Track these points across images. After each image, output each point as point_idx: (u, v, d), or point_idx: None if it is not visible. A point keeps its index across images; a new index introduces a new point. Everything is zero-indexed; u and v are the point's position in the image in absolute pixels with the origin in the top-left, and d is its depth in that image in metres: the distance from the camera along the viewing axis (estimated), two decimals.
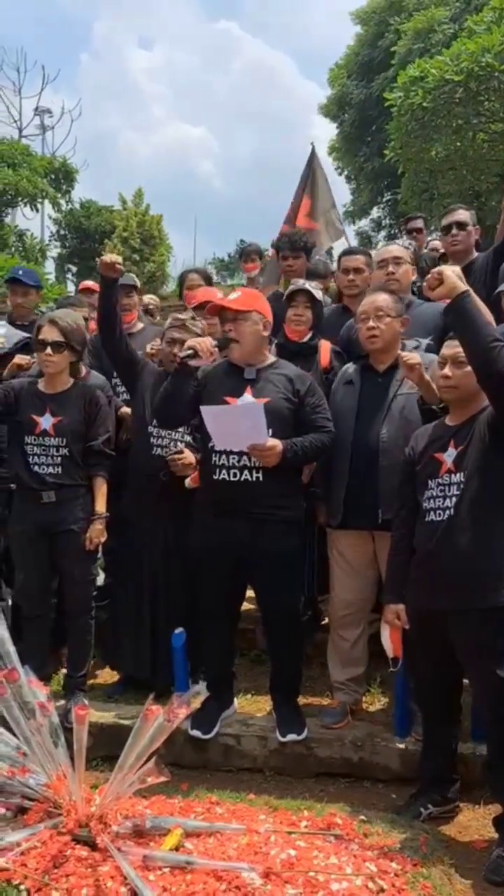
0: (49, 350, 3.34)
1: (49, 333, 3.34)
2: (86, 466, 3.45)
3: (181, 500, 3.39)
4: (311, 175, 6.43)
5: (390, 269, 3.60)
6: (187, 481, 3.40)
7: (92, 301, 5.15)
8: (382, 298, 3.17)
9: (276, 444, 2.95)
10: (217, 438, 2.99)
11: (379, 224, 21.50)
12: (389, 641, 2.85)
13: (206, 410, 2.94)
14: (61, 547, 3.38)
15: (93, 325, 4.29)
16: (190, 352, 3.06)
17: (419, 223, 6.44)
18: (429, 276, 2.64)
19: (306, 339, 3.73)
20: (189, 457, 3.38)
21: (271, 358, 3.25)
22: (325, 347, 3.76)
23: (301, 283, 3.79)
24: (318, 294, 3.76)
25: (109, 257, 3.43)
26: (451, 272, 2.53)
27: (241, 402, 3.03)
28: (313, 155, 6.52)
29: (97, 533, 3.40)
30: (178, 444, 3.48)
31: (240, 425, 2.91)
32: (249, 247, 6.20)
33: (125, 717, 3.29)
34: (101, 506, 3.44)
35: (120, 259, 3.49)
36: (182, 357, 3.07)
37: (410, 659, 2.86)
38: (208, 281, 4.80)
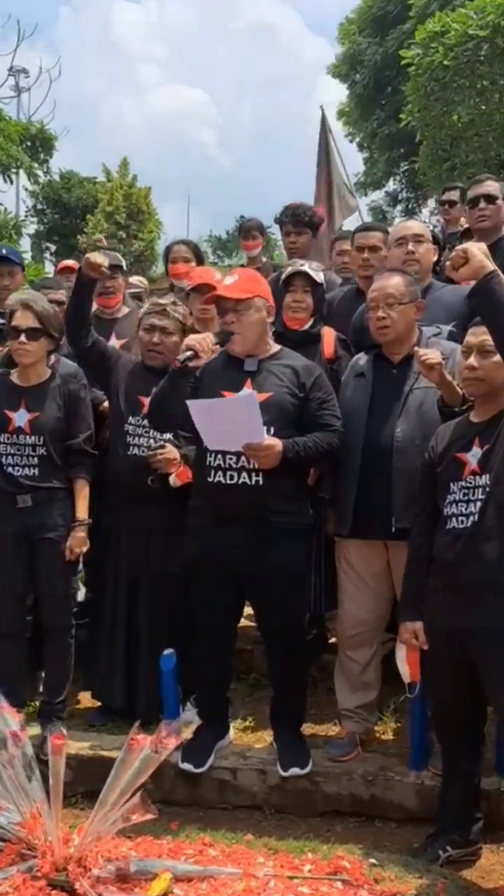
0: (23, 338, 3.34)
1: (23, 319, 3.35)
2: (65, 467, 3.46)
3: (164, 505, 3.40)
4: (324, 144, 6.43)
5: (409, 247, 3.60)
6: (172, 478, 3.40)
7: (69, 282, 5.16)
8: (393, 283, 3.17)
9: (275, 443, 2.95)
10: (208, 438, 2.99)
11: (395, 198, 21.50)
12: (406, 664, 2.85)
13: (193, 406, 2.93)
14: (39, 557, 3.39)
15: None
16: (189, 353, 3.03)
17: (455, 194, 6.23)
18: (452, 254, 2.63)
19: (307, 326, 3.72)
20: (172, 451, 3.39)
21: (274, 347, 3.25)
22: (329, 335, 3.76)
23: (299, 264, 3.79)
24: (319, 276, 3.76)
25: (96, 258, 3.44)
26: (478, 250, 2.53)
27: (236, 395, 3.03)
28: (324, 120, 6.51)
29: (78, 542, 3.41)
30: (158, 440, 3.48)
31: (233, 422, 2.90)
32: (250, 222, 6.15)
33: (108, 748, 3.29)
34: (82, 511, 3.45)
35: (107, 262, 3.50)
36: (182, 360, 3.04)
37: (429, 683, 2.87)
38: (198, 255, 4.78)
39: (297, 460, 3.02)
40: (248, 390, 3.01)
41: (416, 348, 3.02)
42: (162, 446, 3.41)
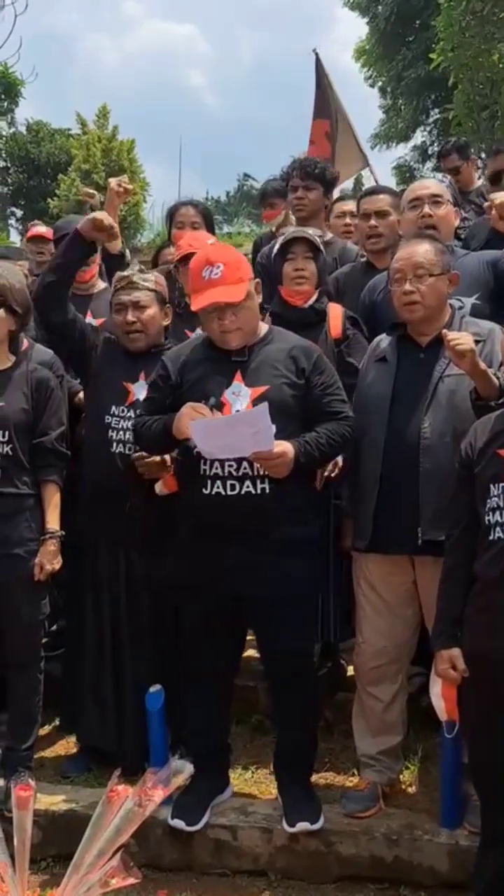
0: None
1: None
2: (34, 469, 3.47)
3: (155, 516, 3.41)
4: (321, 88, 6.45)
5: (426, 210, 3.62)
6: (158, 486, 3.41)
7: (41, 254, 5.18)
8: (423, 250, 3.19)
9: (287, 448, 2.95)
10: (210, 453, 3.00)
11: (424, 152, 21.56)
12: (441, 699, 2.85)
13: (195, 426, 2.92)
14: (2, 577, 3.39)
15: None
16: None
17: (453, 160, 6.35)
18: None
19: (311, 301, 3.73)
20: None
21: (263, 327, 3.25)
22: (336, 312, 3.78)
23: (294, 229, 3.80)
24: (319, 242, 3.78)
25: (105, 218, 3.48)
26: None
27: (230, 393, 3.03)
28: (319, 66, 6.54)
29: (50, 556, 3.42)
30: None
31: (239, 435, 2.91)
32: (269, 184, 6.04)
33: (84, 802, 3.30)
34: (53, 521, 3.46)
35: (116, 225, 3.53)
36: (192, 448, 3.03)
37: (467, 724, 2.87)
38: (208, 219, 4.76)
39: (311, 462, 3.04)
40: (260, 405, 2.96)
41: (444, 331, 3.02)
42: None
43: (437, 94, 17.93)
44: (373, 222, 4.07)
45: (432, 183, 3.79)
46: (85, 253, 3.62)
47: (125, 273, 3.62)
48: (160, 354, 3.55)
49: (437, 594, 2.90)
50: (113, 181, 4.15)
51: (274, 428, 2.91)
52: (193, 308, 3.17)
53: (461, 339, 2.92)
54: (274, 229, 6.19)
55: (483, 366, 2.94)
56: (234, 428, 2.92)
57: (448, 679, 2.80)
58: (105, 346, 3.68)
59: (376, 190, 4.30)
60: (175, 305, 3.95)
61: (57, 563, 3.44)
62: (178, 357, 3.23)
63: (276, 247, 3.82)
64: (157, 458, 3.38)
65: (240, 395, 3.05)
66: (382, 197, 4.13)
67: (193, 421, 2.94)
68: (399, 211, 3.92)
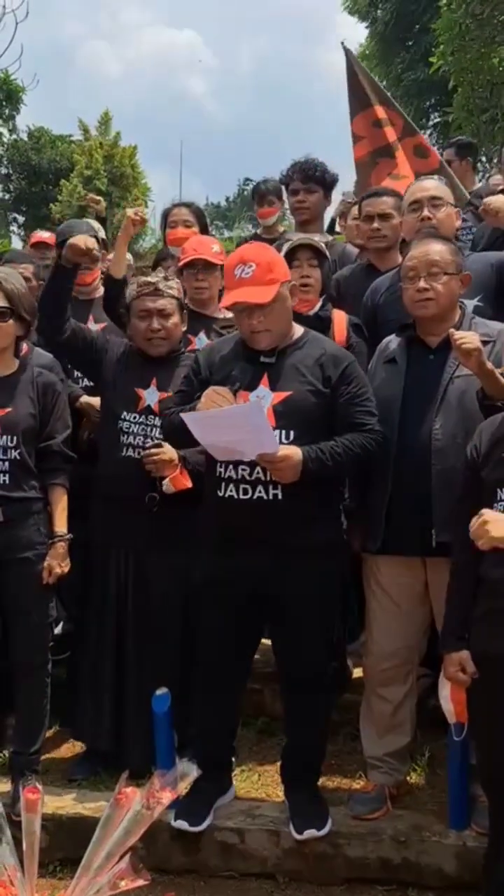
0: None
1: None
2: (40, 473, 3.47)
3: (161, 516, 3.42)
4: (355, 81, 6.24)
5: (425, 212, 3.62)
6: (165, 484, 3.42)
7: (45, 259, 5.19)
8: (438, 249, 3.18)
9: (292, 452, 2.92)
10: (214, 451, 2.99)
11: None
12: (450, 702, 2.84)
13: (189, 419, 2.92)
14: (11, 580, 3.39)
15: None
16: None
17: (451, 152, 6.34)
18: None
19: (316, 309, 3.73)
20: (169, 451, 3.40)
21: (298, 330, 3.22)
22: (340, 319, 3.78)
23: (299, 236, 3.80)
24: (325, 248, 3.78)
25: (83, 242, 3.48)
26: None
27: (254, 396, 3.02)
28: (348, 58, 6.36)
29: (59, 559, 3.42)
30: (156, 438, 3.49)
31: (237, 433, 2.90)
32: (266, 183, 6.03)
33: (91, 805, 3.30)
34: (61, 524, 3.46)
35: (96, 246, 3.54)
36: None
37: (475, 726, 2.86)
38: (201, 220, 4.78)
39: (323, 470, 2.97)
40: (253, 399, 2.97)
41: (451, 330, 3.02)
42: (158, 445, 3.42)
43: (436, 97, 17.94)
44: (375, 224, 4.07)
45: (431, 184, 3.77)
46: (69, 279, 3.61)
47: (151, 279, 3.60)
48: (173, 361, 3.59)
49: (446, 596, 2.89)
50: (130, 211, 4.12)
51: (293, 433, 2.92)
52: (221, 305, 3.19)
53: (467, 337, 2.92)
54: (260, 231, 6.22)
55: (490, 365, 2.93)
56: (230, 424, 2.91)
57: (457, 682, 2.79)
58: (114, 351, 3.68)
59: (378, 192, 4.29)
60: None
61: (66, 566, 3.44)
62: (212, 353, 3.22)
63: (282, 253, 3.81)
64: (165, 456, 3.39)
65: (263, 399, 3.03)
66: (385, 199, 4.12)
67: (186, 414, 2.93)
68: (401, 213, 3.93)
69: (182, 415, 2.95)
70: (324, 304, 3.75)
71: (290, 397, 3.02)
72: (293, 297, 3.17)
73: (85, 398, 3.96)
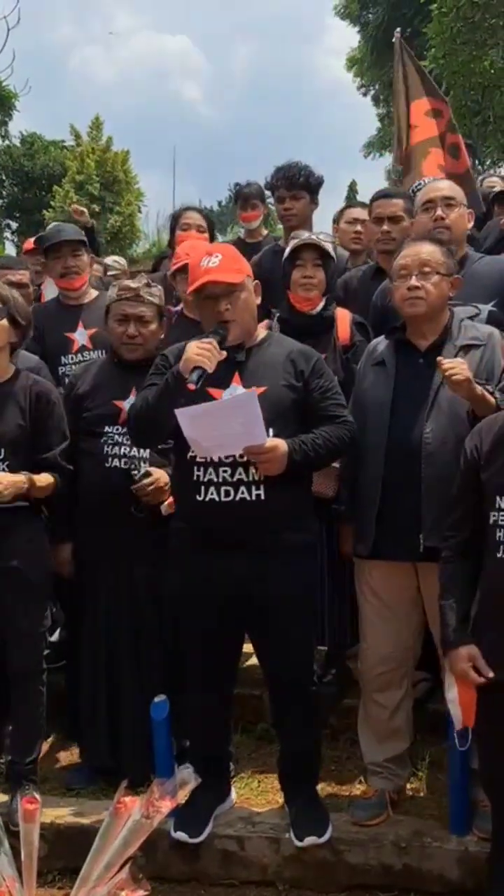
0: None
1: None
2: None
3: (149, 525, 3.41)
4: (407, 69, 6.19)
5: (439, 212, 3.62)
6: (164, 507, 3.42)
7: (38, 266, 5.19)
8: (429, 250, 3.18)
9: (279, 444, 2.93)
10: (199, 446, 2.97)
11: None
12: (458, 705, 2.79)
13: (183, 415, 2.89)
14: (2, 589, 3.37)
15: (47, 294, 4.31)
16: (200, 373, 2.87)
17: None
18: None
19: (318, 308, 3.73)
20: (161, 477, 3.39)
21: (262, 332, 3.26)
22: (344, 318, 3.78)
23: (306, 235, 3.80)
24: (330, 248, 3.77)
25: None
26: None
27: (228, 394, 3.01)
28: (402, 47, 6.30)
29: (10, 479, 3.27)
30: (139, 461, 3.47)
31: (229, 426, 2.88)
32: (248, 188, 6.10)
33: (89, 814, 3.28)
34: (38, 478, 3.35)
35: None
36: (197, 383, 2.89)
37: (476, 728, 2.84)
38: (210, 225, 4.78)
39: (307, 461, 3.00)
40: (248, 391, 2.96)
41: (439, 358, 2.99)
42: (147, 474, 3.41)
43: None
44: (385, 227, 4.06)
45: (445, 185, 3.77)
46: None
47: (133, 284, 3.58)
48: (149, 368, 3.56)
49: (441, 595, 2.84)
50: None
51: (271, 431, 2.91)
52: (188, 291, 3.16)
53: (456, 368, 2.91)
54: (243, 235, 6.23)
55: (480, 390, 2.93)
56: (223, 417, 2.90)
57: (468, 679, 2.69)
58: (92, 366, 3.70)
59: (389, 193, 4.26)
60: (169, 316, 3.95)
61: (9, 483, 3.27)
62: (180, 351, 3.21)
63: (287, 252, 3.81)
64: (160, 483, 3.38)
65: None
66: (396, 201, 4.10)
67: (179, 409, 2.89)
68: (412, 215, 3.92)
69: (176, 410, 2.90)
70: (327, 304, 3.75)
71: (266, 392, 3.01)
72: (255, 294, 3.15)
73: None
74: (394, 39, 6.35)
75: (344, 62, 21.24)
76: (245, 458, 2.95)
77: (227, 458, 2.98)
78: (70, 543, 3.59)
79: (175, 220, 4.85)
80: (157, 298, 3.60)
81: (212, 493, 3.01)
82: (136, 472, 3.43)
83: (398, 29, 6.48)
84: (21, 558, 3.37)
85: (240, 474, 2.98)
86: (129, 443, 3.50)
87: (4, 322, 3.36)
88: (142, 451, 3.49)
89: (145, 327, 3.56)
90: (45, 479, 3.35)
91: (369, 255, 5.00)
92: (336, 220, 5.64)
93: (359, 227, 5.23)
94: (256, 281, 3.18)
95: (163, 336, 3.70)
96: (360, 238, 5.20)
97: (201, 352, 2.89)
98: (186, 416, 2.89)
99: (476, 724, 2.80)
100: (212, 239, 4.70)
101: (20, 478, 3.27)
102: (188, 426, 2.90)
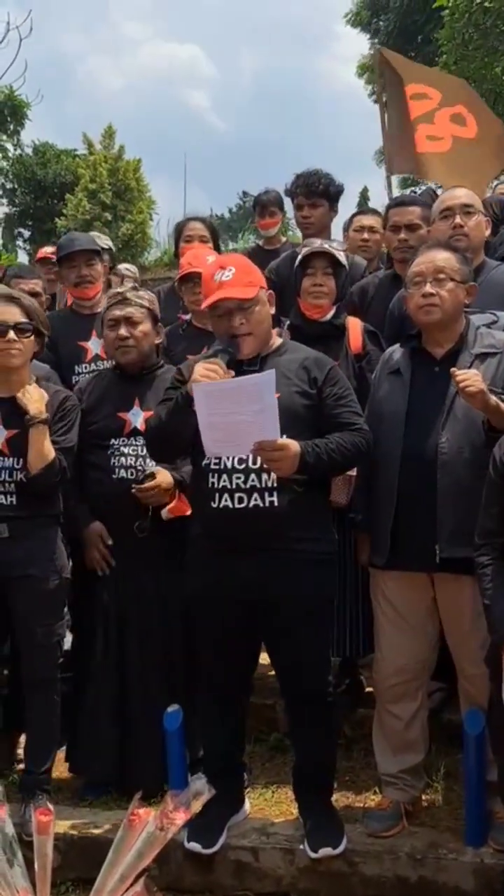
0: (12, 334, 3.33)
1: (8, 313, 3.34)
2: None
3: (164, 538, 3.42)
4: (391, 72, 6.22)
5: (457, 220, 3.62)
6: (164, 513, 3.42)
7: (51, 275, 5.21)
8: (444, 257, 3.17)
9: (291, 443, 2.91)
10: (211, 436, 2.93)
11: None
12: None
13: (200, 390, 2.84)
14: (17, 597, 3.38)
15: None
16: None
17: None
18: None
19: (329, 316, 3.74)
20: (164, 478, 3.39)
21: (277, 339, 3.26)
22: (355, 327, 3.78)
23: (317, 243, 3.79)
24: (342, 257, 3.77)
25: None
26: None
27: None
28: (381, 63, 6.32)
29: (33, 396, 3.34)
30: (145, 465, 3.48)
31: (243, 410, 2.85)
32: (267, 195, 6.08)
33: (103, 825, 3.28)
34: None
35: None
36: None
37: (496, 738, 2.83)
38: (214, 234, 4.79)
39: (319, 465, 2.98)
40: (267, 371, 2.90)
41: (453, 369, 2.99)
42: (151, 476, 3.41)
43: None
44: (402, 235, 4.05)
45: (463, 192, 3.76)
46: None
47: (119, 289, 3.63)
48: (152, 377, 3.60)
49: (487, 596, 2.82)
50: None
51: (284, 436, 2.88)
52: (203, 306, 3.15)
53: (470, 380, 2.90)
54: (262, 242, 6.23)
55: (495, 400, 2.92)
56: (240, 398, 2.86)
57: None
58: (98, 378, 3.72)
59: (407, 201, 4.24)
60: (179, 326, 3.95)
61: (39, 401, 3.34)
62: (195, 364, 3.21)
63: (298, 259, 3.81)
64: (164, 485, 3.39)
65: None
66: (413, 209, 4.09)
67: (197, 384, 2.86)
68: (429, 223, 3.91)
69: (193, 385, 2.87)
70: (338, 312, 3.75)
71: (280, 399, 2.98)
72: (270, 304, 3.15)
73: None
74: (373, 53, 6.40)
75: (355, 69, 21.26)
76: (258, 465, 2.96)
77: (240, 464, 2.99)
78: (97, 522, 3.57)
79: (178, 232, 4.86)
80: (146, 301, 3.60)
81: (226, 500, 3.01)
82: (141, 471, 3.44)
83: (378, 46, 6.54)
84: (37, 566, 3.38)
85: (253, 481, 2.98)
86: (135, 453, 3.51)
87: (32, 338, 3.39)
88: (149, 461, 3.48)
89: (135, 328, 3.56)
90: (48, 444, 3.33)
91: (382, 262, 5.00)
92: (346, 228, 5.64)
93: (366, 235, 5.22)
94: (270, 291, 3.18)
95: (159, 341, 3.70)
96: (368, 246, 5.19)
97: (207, 373, 2.90)
98: (203, 392, 2.85)
99: (494, 737, 2.78)
100: (216, 247, 4.70)
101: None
102: (203, 404, 2.85)
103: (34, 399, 3.33)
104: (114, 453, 3.54)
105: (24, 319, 3.35)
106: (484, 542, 2.86)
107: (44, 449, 3.31)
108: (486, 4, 10.55)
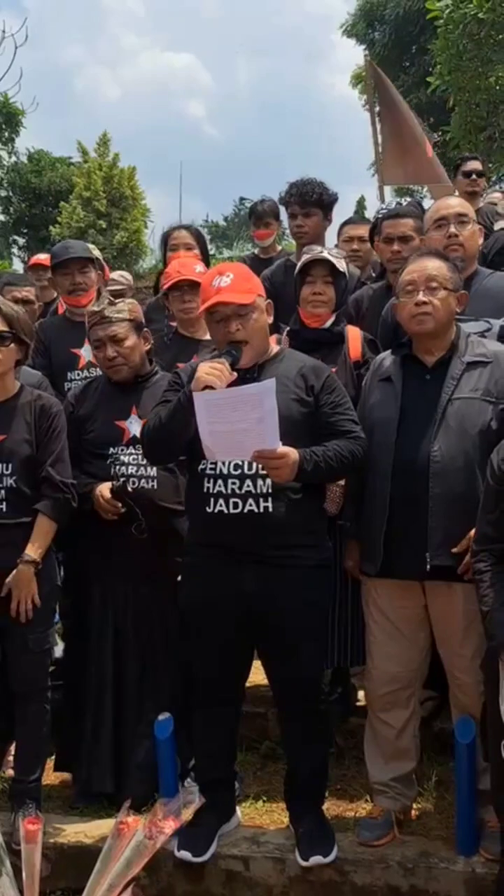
0: None
1: None
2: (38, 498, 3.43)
3: (153, 543, 3.40)
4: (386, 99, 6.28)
5: (451, 229, 3.62)
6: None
7: (43, 282, 5.21)
8: (435, 265, 3.17)
9: (290, 451, 2.92)
10: (211, 443, 2.94)
11: None
12: None
13: (200, 399, 2.85)
14: (8, 605, 3.36)
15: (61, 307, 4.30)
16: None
17: (476, 164, 6.37)
18: None
19: (328, 324, 3.74)
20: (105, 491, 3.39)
21: (275, 347, 3.26)
22: (355, 335, 3.79)
23: (317, 250, 3.80)
24: (341, 265, 3.78)
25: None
26: None
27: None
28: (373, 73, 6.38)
29: (19, 582, 3.29)
30: (147, 469, 3.48)
31: (244, 421, 2.85)
32: (263, 205, 6.09)
33: (93, 834, 3.26)
34: (31, 549, 3.32)
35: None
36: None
37: (491, 745, 2.81)
38: (201, 242, 4.80)
39: (317, 473, 2.99)
40: (268, 379, 2.91)
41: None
42: (123, 486, 3.41)
43: (435, 117, 18.04)
44: (396, 247, 4.05)
45: (457, 201, 3.77)
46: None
47: (96, 308, 3.59)
48: (147, 385, 3.60)
49: (486, 602, 2.81)
50: None
51: (281, 444, 2.88)
52: (199, 311, 3.15)
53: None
54: (258, 252, 6.24)
55: None
56: (241, 406, 2.86)
57: None
58: (91, 386, 3.71)
59: (399, 213, 4.24)
60: (164, 335, 3.94)
61: (28, 594, 3.32)
62: (193, 370, 3.20)
63: (298, 266, 3.82)
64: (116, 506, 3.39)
65: None
66: (406, 221, 4.10)
67: (197, 393, 2.86)
68: (422, 234, 3.92)
69: (194, 394, 2.87)
70: (337, 320, 3.76)
71: (277, 406, 3.00)
72: (268, 313, 3.15)
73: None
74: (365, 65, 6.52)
75: (349, 80, 21.34)
76: (254, 470, 2.96)
77: (235, 469, 2.99)
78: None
79: (164, 241, 4.87)
80: (126, 313, 3.57)
81: (220, 505, 3.01)
82: (117, 483, 3.44)
83: (367, 55, 6.60)
84: None
85: (248, 486, 2.99)
86: (134, 462, 3.50)
87: (13, 346, 3.38)
88: (150, 468, 3.48)
89: (121, 345, 3.55)
90: (41, 537, 3.33)
91: (374, 269, 5.00)
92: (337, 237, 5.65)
93: (356, 245, 5.23)
94: (269, 300, 3.18)
95: (148, 347, 3.68)
96: (359, 255, 5.20)
97: (212, 372, 2.89)
98: (203, 401, 2.86)
99: (491, 747, 2.78)
100: (204, 255, 4.70)
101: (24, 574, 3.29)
102: (203, 413, 2.86)
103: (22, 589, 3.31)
104: (113, 462, 3.53)
105: (3, 328, 3.35)
106: (482, 549, 2.86)
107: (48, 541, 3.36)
108: (480, 15, 10.58)
